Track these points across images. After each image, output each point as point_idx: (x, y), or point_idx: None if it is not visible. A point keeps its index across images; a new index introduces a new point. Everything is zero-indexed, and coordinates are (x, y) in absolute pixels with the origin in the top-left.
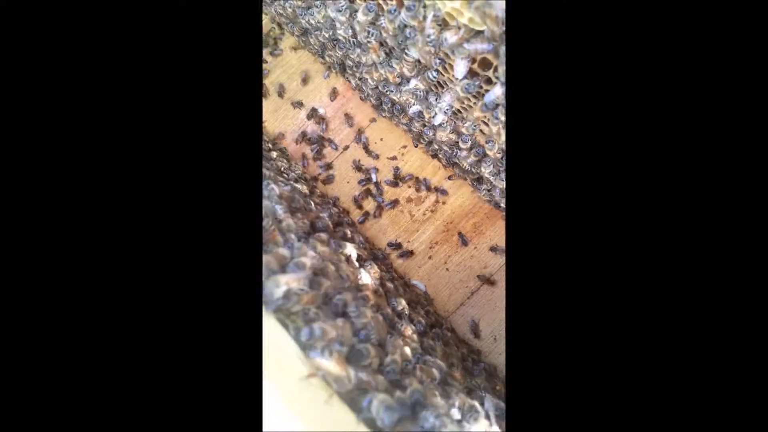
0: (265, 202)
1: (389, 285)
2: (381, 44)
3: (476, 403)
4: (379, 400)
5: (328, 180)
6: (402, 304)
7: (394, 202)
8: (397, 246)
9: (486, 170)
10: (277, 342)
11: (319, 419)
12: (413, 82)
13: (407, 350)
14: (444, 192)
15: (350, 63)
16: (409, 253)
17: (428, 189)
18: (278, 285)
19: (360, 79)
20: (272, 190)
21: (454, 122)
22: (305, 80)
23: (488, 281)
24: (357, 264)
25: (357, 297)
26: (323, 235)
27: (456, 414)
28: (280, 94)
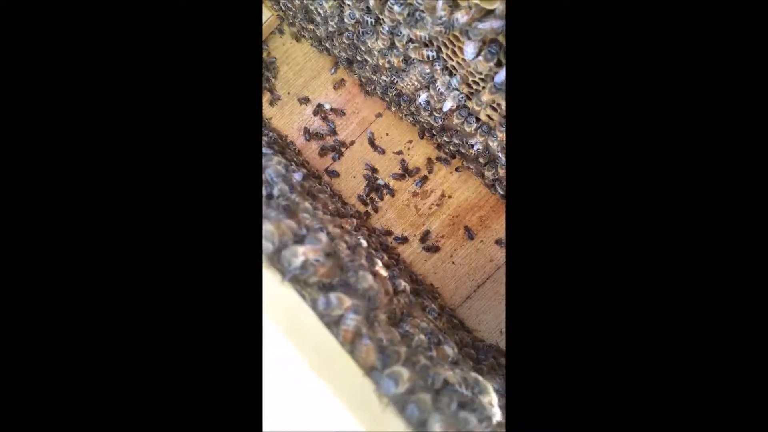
0: (283, 186)
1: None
2: (393, 29)
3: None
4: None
5: (333, 174)
6: (402, 284)
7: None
8: (403, 240)
9: (493, 144)
10: (297, 310)
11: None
12: (420, 68)
13: (422, 336)
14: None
15: (357, 56)
16: (436, 248)
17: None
18: (296, 255)
19: (369, 66)
20: (288, 176)
21: (464, 109)
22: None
23: None
24: (366, 247)
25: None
26: (335, 220)
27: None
28: (272, 103)
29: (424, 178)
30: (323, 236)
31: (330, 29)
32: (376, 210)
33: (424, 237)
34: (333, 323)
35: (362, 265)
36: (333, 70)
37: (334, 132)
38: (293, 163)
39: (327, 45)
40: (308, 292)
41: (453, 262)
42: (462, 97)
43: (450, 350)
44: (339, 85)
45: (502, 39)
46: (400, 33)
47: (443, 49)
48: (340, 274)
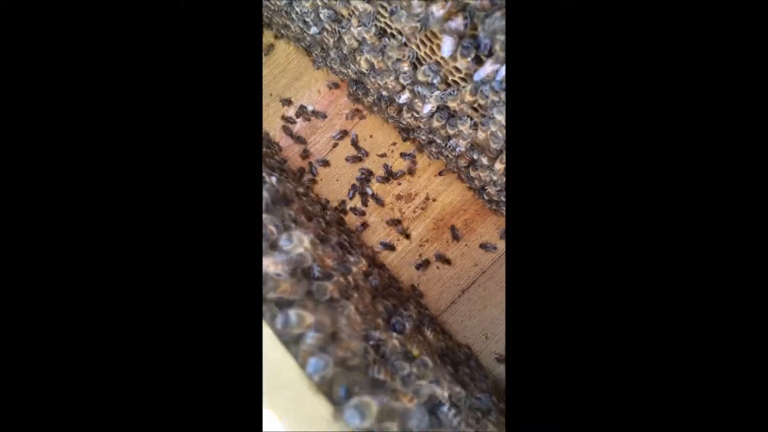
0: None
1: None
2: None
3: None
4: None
5: (314, 175)
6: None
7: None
8: (389, 247)
9: (480, 136)
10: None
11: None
12: (398, 66)
13: (396, 342)
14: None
15: (336, 56)
16: (447, 261)
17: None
18: None
19: (349, 64)
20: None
21: (445, 110)
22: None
23: None
24: (341, 252)
25: (342, 287)
26: (310, 225)
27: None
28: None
29: (399, 197)
30: (292, 246)
31: (311, 28)
32: (363, 213)
33: (419, 265)
34: (292, 342)
35: (331, 275)
36: (317, 67)
37: (359, 158)
38: (271, 168)
39: (308, 43)
40: (268, 307)
41: (437, 267)
42: (443, 97)
43: (427, 366)
44: (332, 86)
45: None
46: (372, 27)
47: (421, 47)
48: (305, 287)
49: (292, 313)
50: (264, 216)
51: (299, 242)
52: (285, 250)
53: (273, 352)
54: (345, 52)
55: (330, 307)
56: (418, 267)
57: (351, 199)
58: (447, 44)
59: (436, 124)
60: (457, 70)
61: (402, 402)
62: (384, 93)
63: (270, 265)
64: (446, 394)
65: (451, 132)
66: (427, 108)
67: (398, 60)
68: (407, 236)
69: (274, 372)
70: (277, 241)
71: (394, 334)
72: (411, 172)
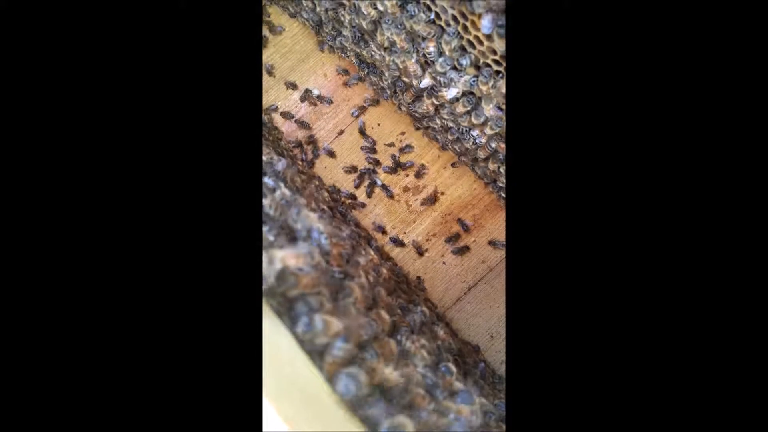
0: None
1: (384, 272)
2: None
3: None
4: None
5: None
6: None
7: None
8: (399, 242)
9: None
10: (269, 336)
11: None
12: (430, 48)
13: (425, 353)
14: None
15: (347, 34)
16: (466, 249)
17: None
18: (272, 261)
19: (363, 51)
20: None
21: (471, 96)
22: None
23: None
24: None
25: (364, 287)
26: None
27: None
28: (270, 72)
29: (406, 188)
30: (312, 237)
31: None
32: (363, 206)
33: (454, 238)
34: (316, 353)
35: (352, 275)
36: (324, 46)
37: (373, 149)
38: (281, 154)
39: (315, 22)
40: (285, 309)
41: (444, 263)
42: (472, 82)
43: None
44: (341, 72)
45: None
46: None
47: (452, 23)
48: (327, 284)
49: (318, 318)
50: (281, 206)
51: (319, 232)
52: (306, 242)
53: (294, 361)
54: (365, 25)
55: (355, 310)
56: (448, 240)
57: (357, 188)
58: (486, 21)
59: (460, 109)
60: (493, 51)
61: (438, 418)
62: (400, 76)
63: (289, 258)
64: (479, 415)
65: (475, 122)
66: (452, 93)
67: (423, 39)
68: (420, 253)
69: (296, 384)
70: (295, 233)
71: (423, 341)
72: (419, 175)
